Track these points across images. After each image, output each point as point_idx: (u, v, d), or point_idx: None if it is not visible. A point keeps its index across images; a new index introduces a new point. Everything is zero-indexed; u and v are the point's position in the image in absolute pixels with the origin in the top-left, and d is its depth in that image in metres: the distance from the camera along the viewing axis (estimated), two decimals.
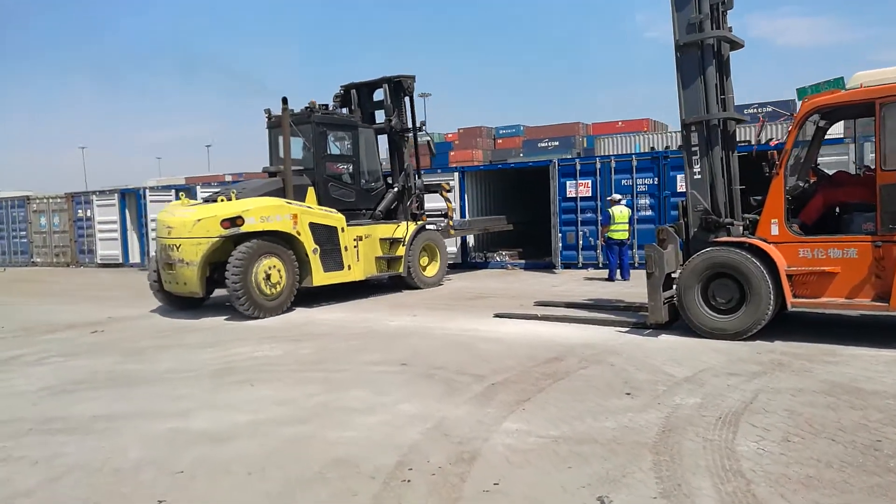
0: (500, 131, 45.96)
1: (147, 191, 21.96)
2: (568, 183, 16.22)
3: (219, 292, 11.23)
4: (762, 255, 7.52)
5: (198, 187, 20.67)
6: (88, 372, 7.45)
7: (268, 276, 10.55)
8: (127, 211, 22.47)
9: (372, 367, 7.20)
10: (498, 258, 17.42)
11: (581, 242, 16.21)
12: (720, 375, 6.28)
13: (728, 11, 8.34)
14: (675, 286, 8.07)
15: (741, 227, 8.11)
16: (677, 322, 8.25)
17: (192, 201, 12.20)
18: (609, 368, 6.69)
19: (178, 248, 10.64)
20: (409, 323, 9.72)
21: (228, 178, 36.59)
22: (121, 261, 22.47)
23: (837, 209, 7.88)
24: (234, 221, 10.45)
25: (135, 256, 22.39)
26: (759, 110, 40.37)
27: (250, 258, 10.37)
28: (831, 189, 7.89)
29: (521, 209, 19.09)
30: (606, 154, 23.38)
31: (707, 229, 8.16)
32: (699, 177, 8.28)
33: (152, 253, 13.67)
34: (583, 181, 16.15)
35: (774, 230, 7.58)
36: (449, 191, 15.01)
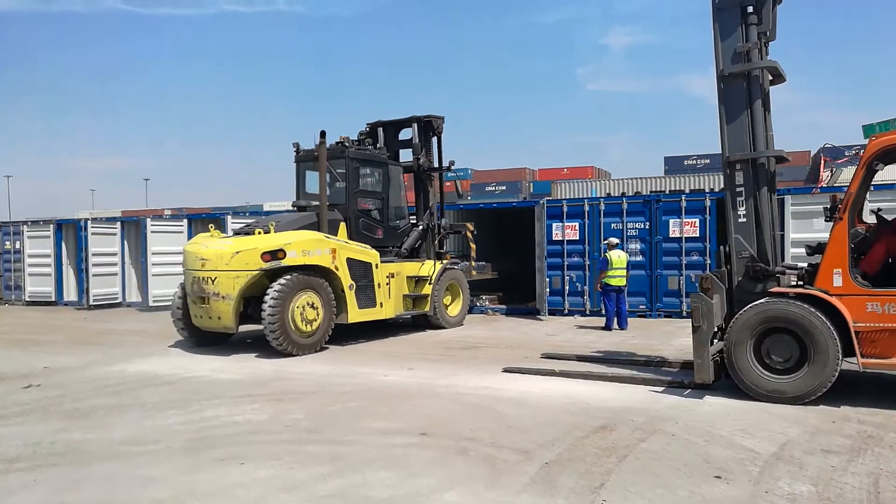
0: (448, 175, 45.41)
1: (89, 222, 19.97)
2: (554, 225, 15.38)
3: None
4: (826, 308, 6.67)
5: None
6: (23, 444, 5.92)
7: (304, 313, 10.15)
8: (64, 244, 20.46)
9: (385, 437, 5.94)
10: (478, 303, 16.33)
11: (567, 288, 15.31)
12: (814, 453, 5.29)
13: (771, 43, 7.68)
14: (724, 342, 7.12)
15: (793, 277, 7.29)
16: (716, 380, 7.28)
17: (223, 234, 11.50)
18: (674, 441, 5.63)
19: (213, 280, 10.18)
20: (407, 378, 8.48)
21: (168, 213, 34.68)
22: (53, 298, 20.31)
23: None
24: (276, 254, 10.18)
25: (70, 294, 20.33)
26: (697, 161, 41.97)
27: (289, 292, 10.02)
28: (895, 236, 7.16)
29: (498, 252, 18.18)
30: (593, 196, 22.61)
31: (754, 278, 7.29)
32: (744, 220, 7.43)
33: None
34: (570, 223, 15.34)
35: (837, 281, 6.75)
36: (473, 231, 14.45)
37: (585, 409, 6.68)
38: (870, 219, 7.82)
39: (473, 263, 14.66)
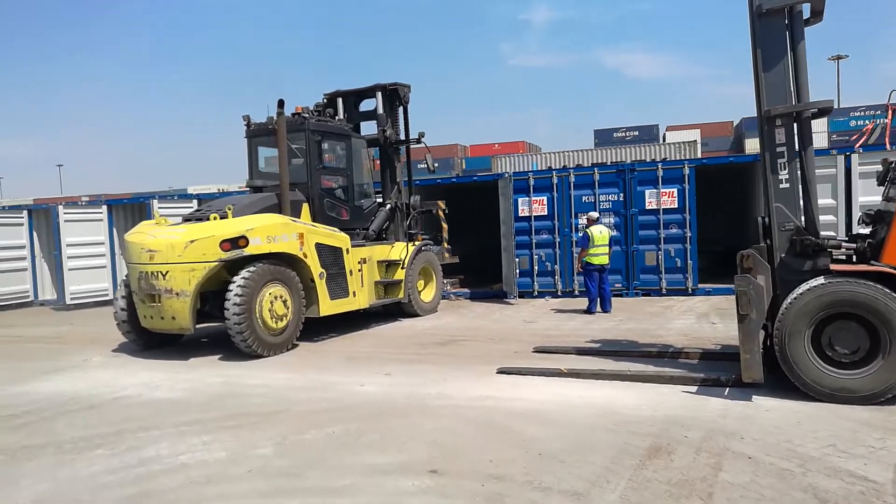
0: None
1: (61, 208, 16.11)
2: (520, 200, 14.15)
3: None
4: None
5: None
6: None
7: (272, 307, 8.97)
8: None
9: (388, 478, 4.56)
10: None
11: (537, 268, 14.15)
12: None
13: None
14: (775, 331, 6.02)
15: (850, 252, 6.26)
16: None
17: (171, 221, 9.86)
18: (758, 468, 4.47)
19: (164, 275, 8.78)
20: (388, 388, 7.08)
21: (85, 199, 31.61)
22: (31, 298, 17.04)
23: None
24: (237, 242, 8.89)
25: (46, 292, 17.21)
26: (626, 134, 42.16)
27: (255, 285, 8.81)
28: None
29: (455, 232, 16.81)
30: (562, 167, 21.37)
31: (802, 254, 6.19)
32: (787, 185, 6.32)
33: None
34: (537, 198, 14.15)
35: None
36: (445, 210, 13.25)
37: (622, 424, 5.46)
38: None
39: (446, 245, 13.36)
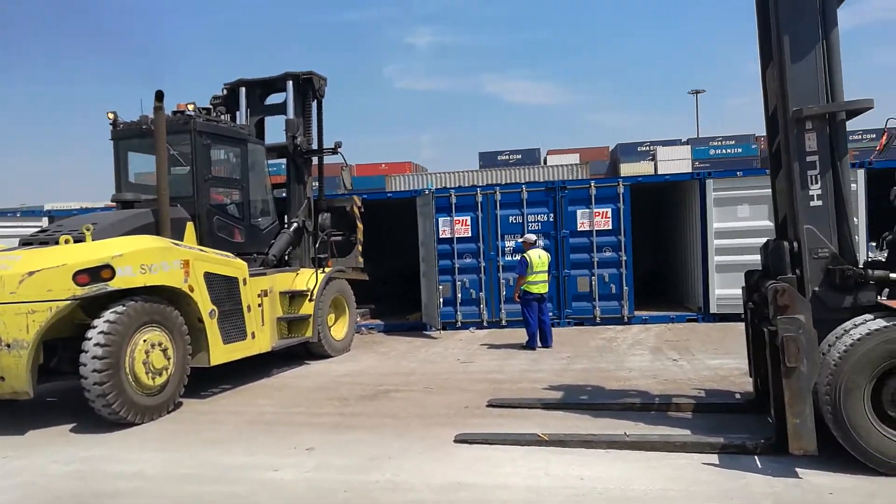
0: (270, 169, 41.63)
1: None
2: (441, 220, 12.60)
3: None
4: None
5: None
6: None
7: (148, 359, 6.86)
8: None
9: None
10: None
11: (460, 295, 12.63)
12: None
13: None
14: (824, 387, 4.74)
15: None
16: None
17: (4, 245, 7.69)
18: None
19: None
20: (312, 473, 5.20)
21: None
22: None
23: None
24: (99, 274, 6.67)
25: None
26: (510, 157, 42.63)
27: (125, 330, 6.67)
28: None
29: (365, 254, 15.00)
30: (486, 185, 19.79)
31: (842, 288, 5.01)
32: (819, 203, 5.13)
33: None
34: (460, 217, 12.66)
35: None
36: (360, 207, 11.45)
37: None
38: None
39: (360, 248, 11.48)
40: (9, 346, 6.38)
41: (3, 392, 6.59)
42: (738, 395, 6.84)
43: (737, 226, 11.63)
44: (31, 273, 6.46)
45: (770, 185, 6.05)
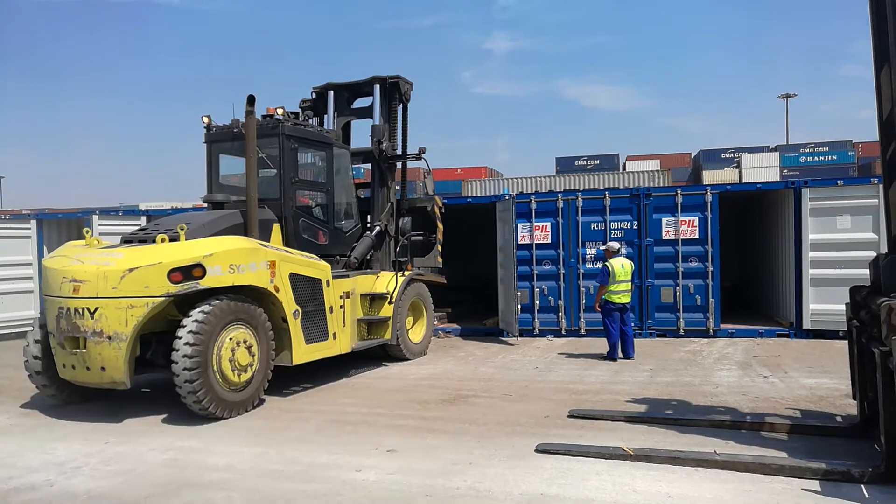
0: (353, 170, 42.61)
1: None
2: (520, 226, 12.49)
3: None
4: None
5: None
6: None
7: (234, 356, 7.08)
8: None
9: None
10: None
11: (538, 303, 12.48)
12: None
13: None
14: None
15: None
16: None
17: (108, 241, 8.07)
18: None
19: (93, 313, 6.76)
20: (395, 476, 5.22)
21: (26, 212, 28.73)
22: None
23: None
24: (191, 272, 6.92)
25: None
26: (587, 162, 41.83)
27: (213, 327, 6.89)
28: None
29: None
30: (565, 190, 19.75)
31: None
32: None
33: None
34: (539, 223, 12.52)
35: None
36: (441, 208, 11.55)
37: None
38: None
39: (440, 248, 11.46)
40: (110, 338, 6.72)
41: (103, 381, 6.96)
42: (839, 418, 6.45)
43: (836, 237, 11.00)
44: (130, 269, 6.78)
45: (877, 195, 5.72)
